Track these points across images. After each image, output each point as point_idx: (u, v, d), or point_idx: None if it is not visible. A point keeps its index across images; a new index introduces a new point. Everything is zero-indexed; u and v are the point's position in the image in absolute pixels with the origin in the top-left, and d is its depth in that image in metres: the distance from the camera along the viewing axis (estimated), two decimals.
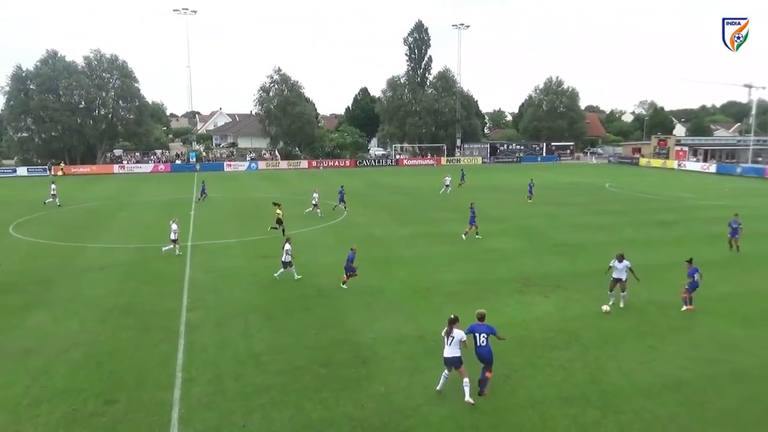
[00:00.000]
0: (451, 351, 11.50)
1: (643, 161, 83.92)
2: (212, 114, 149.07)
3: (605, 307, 16.91)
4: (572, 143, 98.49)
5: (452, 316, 11.80)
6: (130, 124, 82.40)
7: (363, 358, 13.76)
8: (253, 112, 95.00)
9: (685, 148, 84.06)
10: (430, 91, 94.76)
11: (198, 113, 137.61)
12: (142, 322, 16.31)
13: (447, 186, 47.41)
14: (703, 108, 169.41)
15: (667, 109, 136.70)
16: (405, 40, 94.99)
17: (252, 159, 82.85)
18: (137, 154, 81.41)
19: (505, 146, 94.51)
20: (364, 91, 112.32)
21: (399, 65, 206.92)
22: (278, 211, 29.30)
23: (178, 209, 38.43)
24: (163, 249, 24.93)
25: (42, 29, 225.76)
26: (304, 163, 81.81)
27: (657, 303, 17.89)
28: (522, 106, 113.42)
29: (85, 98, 78.08)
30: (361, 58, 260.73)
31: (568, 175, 65.07)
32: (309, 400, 11.63)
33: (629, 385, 12.31)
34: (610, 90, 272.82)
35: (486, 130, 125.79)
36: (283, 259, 20.14)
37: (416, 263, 23.21)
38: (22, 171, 72.52)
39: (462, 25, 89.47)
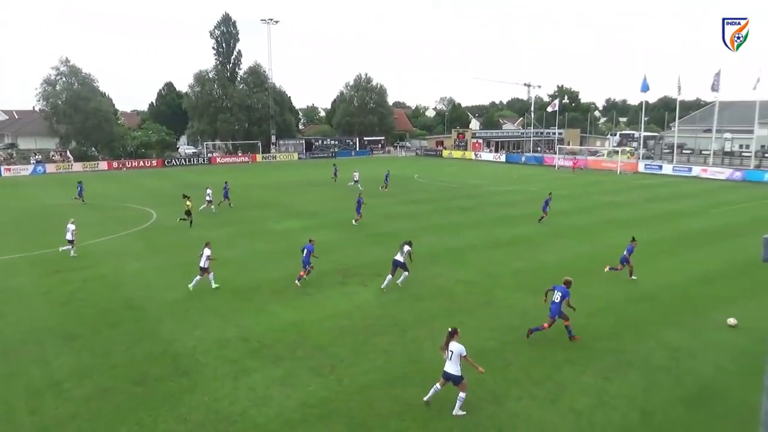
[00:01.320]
0: (451, 367, 10.80)
1: (445, 153, 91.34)
2: None
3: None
4: (383, 137, 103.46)
5: (450, 329, 11.03)
6: None
7: (183, 369, 12.99)
8: (37, 109, 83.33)
9: (480, 140, 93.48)
10: (241, 87, 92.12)
11: None
12: None
13: (356, 181, 46.72)
14: (493, 104, 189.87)
15: (463, 105, 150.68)
16: (212, 33, 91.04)
17: (38, 162, 72.70)
18: None
19: (320, 142, 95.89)
20: (170, 86, 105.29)
21: (207, 59, 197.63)
22: (188, 203, 30.42)
23: None
24: (61, 248, 24.15)
25: None
26: (103, 165, 74.09)
27: (464, 282, 19.66)
28: (334, 102, 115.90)
29: None
30: (165, 50, 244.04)
31: (381, 168, 68.16)
32: (123, 423, 10.65)
33: (443, 360, 13.35)
34: (414, 87, 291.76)
35: (300, 126, 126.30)
36: (201, 265, 18.52)
37: (237, 263, 22.52)
38: None
39: (271, 20, 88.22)
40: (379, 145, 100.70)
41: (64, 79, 77.86)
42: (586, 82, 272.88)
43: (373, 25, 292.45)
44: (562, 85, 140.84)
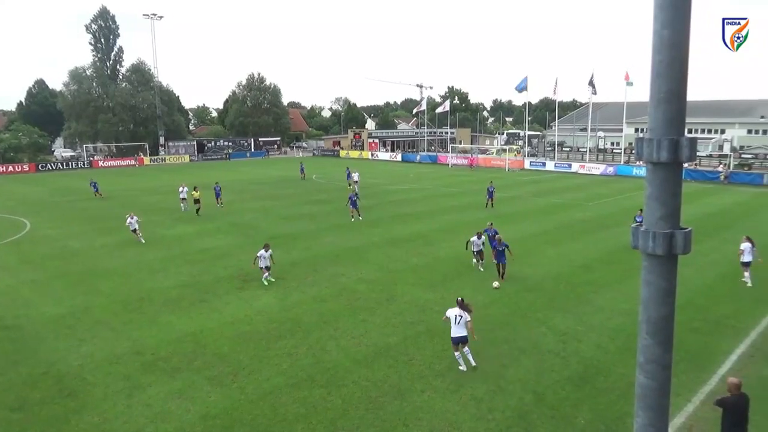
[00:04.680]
0: (461, 330, 12.63)
1: (343, 153, 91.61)
2: None
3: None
4: (279, 138, 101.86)
5: (460, 299, 13.01)
6: None
7: (69, 390, 12.02)
8: None
9: (377, 140, 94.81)
10: (124, 85, 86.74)
11: None
12: None
13: (356, 182, 44.75)
14: (387, 104, 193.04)
15: (359, 105, 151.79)
16: (88, 28, 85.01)
17: None
18: None
19: (213, 143, 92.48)
20: (41, 84, 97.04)
21: (84, 55, 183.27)
22: (195, 194, 32.59)
23: None
24: None
25: None
26: None
27: (365, 280, 19.84)
28: (227, 102, 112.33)
29: None
30: (34, 44, 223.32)
31: (277, 170, 67.11)
32: None
33: (347, 359, 13.44)
34: (309, 87, 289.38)
35: (191, 127, 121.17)
36: (262, 266, 19.46)
37: (125, 273, 21.18)
38: None
39: (154, 15, 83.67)
40: (275, 146, 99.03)
41: None
42: (474, 84, 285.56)
43: (264, 24, 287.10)
44: (453, 86, 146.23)
